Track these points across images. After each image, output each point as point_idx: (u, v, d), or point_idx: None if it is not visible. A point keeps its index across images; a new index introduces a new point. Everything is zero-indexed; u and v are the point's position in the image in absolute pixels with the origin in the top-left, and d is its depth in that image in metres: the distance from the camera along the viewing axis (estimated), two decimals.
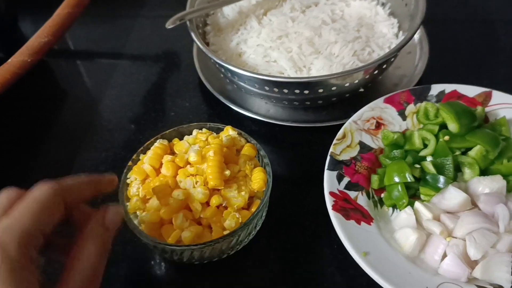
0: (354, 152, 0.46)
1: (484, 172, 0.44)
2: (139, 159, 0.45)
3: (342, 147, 0.46)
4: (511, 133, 0.46)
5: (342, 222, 0.40)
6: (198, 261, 0.41)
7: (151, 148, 0.44)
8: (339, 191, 0.43)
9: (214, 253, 0.40)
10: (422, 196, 0.43)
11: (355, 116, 0.49)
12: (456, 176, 0.44)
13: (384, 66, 0.50)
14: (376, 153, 0.47)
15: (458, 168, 0.44)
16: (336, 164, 0.45)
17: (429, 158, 0.45)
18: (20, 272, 0.28)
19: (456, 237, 0.39)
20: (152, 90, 0.62)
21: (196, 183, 0.41)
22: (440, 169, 0.43)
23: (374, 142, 0.48)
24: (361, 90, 0.52)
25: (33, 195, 0.31)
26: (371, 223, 0.41)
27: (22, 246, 0.28)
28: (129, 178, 0.43)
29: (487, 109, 0.48)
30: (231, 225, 0.39)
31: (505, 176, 0.42)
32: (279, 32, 0.56)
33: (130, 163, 0.44)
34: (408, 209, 0.41)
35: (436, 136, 0.46)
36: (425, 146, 0.46)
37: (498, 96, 0.49)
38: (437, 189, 0.42)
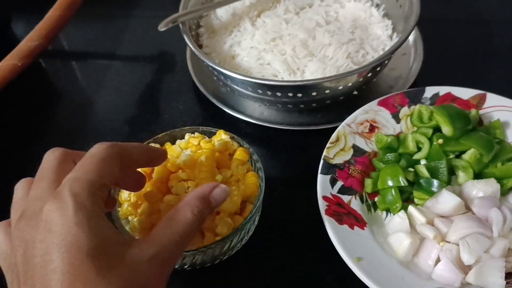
0: (347, 155, 0.46)
1: (478, 175, 0.43)
2: None
3: (336, 150, 0.46)
4: (505, 136, 0.46)
5: (335, 227, 0.40)
6: (191, 267, 0.41)
7: None
8: (333, 195, 0.43)
9: (207, 258, 0.40)
10: (416, 200, 0.43)
11: (348, 119, 0.48)
12: (450, 179, 0.43)
13: (378, 68, 0.50)
14: (370, 156, 0.47)
15: (452, 171, 0.44)
16: (330, 168, 0.44)
17: (423, 162, 0.45)
18: (96, 220, 0.28)
19: (449, 242, 0.39)
20: (145, 92, 0.62)
21: (187, 188, 0.40)
22: (434, 173, 0.43)
23: (368, 146, 0.47)
24: (355, 92, 0.51)
25: (92, 152, 0.32)
26: (365, 227, 0.41)
27: (92, 196, 0.29)
28: None
29: (481, 111, 0.48)
30: (223, 230, 0.39)
31: (499, 180, 0.42)
32: (273, 34, 0.56)
33: None
34: (402, 213, 0.41)
35: (430, 139, 0.45)
36: (419, 149, 0.46)
37: (492, 98, 0.48)
38: (431, 193, 0.42)
